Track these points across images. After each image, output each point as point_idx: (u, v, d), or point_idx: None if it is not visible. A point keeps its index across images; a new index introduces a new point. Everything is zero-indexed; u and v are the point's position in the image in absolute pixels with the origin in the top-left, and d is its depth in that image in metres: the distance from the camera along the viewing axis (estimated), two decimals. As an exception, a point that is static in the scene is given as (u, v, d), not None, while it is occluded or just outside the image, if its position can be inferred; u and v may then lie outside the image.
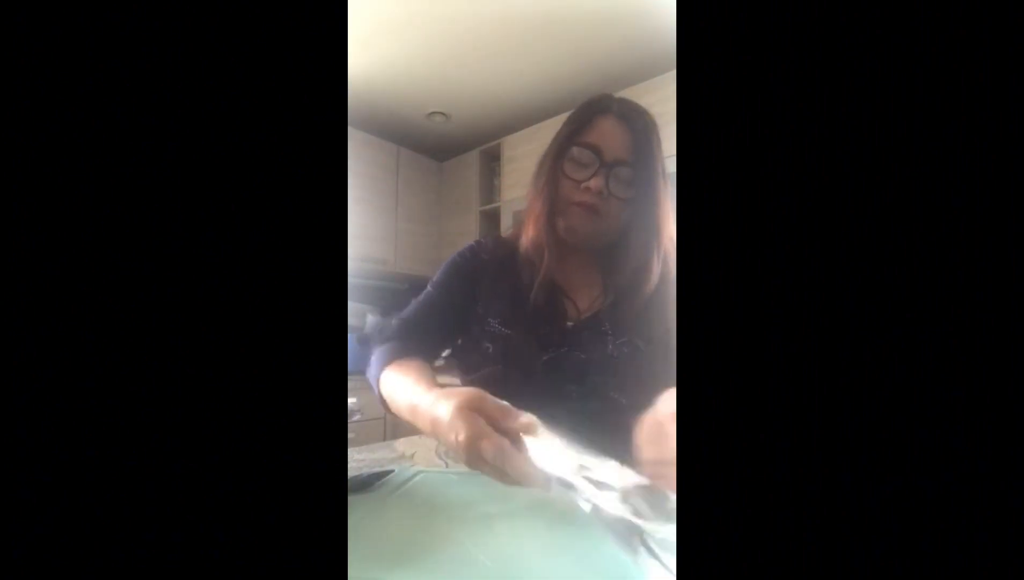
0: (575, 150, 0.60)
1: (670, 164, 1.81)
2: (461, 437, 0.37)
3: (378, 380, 0.62)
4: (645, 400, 0.52)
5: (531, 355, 0.62)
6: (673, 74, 1.92)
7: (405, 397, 0.53)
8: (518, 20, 1.75)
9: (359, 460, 0.59)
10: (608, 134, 0.60)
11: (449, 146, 2.74)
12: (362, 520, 0.37)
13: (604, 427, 0.60)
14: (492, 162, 2.62)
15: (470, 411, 0.37)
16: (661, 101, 1.96)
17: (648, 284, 0.61)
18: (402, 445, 0.69)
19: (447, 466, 0.57)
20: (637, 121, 0.61)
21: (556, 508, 0.41)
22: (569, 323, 0.64)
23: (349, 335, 2.46)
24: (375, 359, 0.64)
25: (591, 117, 0.62)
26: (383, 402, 0.61)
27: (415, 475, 0.49)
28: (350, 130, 2.35)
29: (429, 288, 0.71)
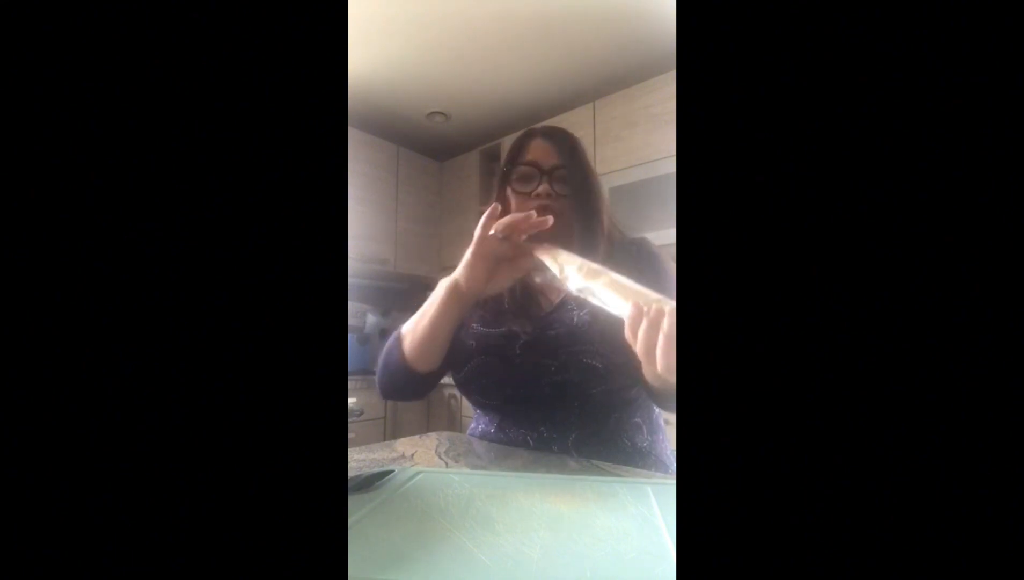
0: (519, 169, 0.74)
1: (669, 164, 1.81)
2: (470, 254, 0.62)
3: (399, 342, 0.72)
4: (618, 359, 0.65)
5: (508, 344, 0.71)
6: (673, 74, 1.92)
7: (421, 315, 0.68)
8: (518, 20, 1.75)
9: (359, 460, 0.59)
10: (540, 151, 0.74)
11: (449, 146, 2.74)
12: (362, 520, 0.37)
13: (587, 392, 0.68)
14: (492, 162, 2.62)
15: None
16: (661, 101, 1.97)
17: (595, 258, 0.70)
18: (402, 445, 0.69)
19: (447, 466, 0.57)
20: (558, 136, 0.77)
21: (556, 508, 0.41)
22: (542, 313, 0.75)
23: (349, 335, 2.46)
24: (387, 347, 0.74)
25: (523, 144, 0.77)
26: (405, 360, 0.70)
27: (415, 475, 0.49)
28: (350, 130, 2.35)
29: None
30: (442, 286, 0.67)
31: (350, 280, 2.50)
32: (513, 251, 0.62)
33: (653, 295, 0.45)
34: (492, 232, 0.61)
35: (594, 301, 0.49)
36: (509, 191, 0.75)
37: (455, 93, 2.25)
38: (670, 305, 0.42)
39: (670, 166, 1.86)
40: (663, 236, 1.82)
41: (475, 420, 0.80)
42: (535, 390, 0.69)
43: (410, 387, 0.74)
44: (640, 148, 2.00)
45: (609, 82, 2.11)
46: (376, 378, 0.76)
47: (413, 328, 0.70)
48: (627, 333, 0.44)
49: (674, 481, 0.48)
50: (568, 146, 0.75)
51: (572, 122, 2.21)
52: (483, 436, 0.76)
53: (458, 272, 0.65)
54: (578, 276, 0.52)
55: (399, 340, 0.72)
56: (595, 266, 0.52)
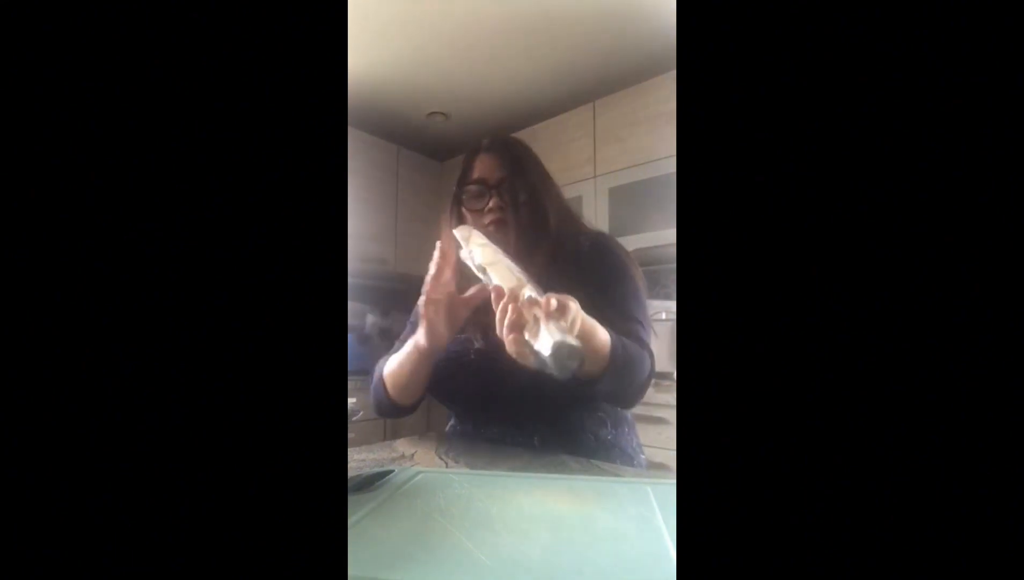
0: (467, 189, 0.76)
1: (669, 164, 1.81)
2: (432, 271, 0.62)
3: (383, 382, 0.75)
4: None
5: (465, 350, 0.74)
6: (673, 74, 1.92)
7: (399, 365, 0.71)
8: (518, 20, 1.75)
9: (359, 460, 0.59)
10: (486, 166, 0.77)
11: (449, 146, 2.74)
12: (362, 520, 0.37)
13: (541, 394, 0.69)
14: (492, 162, 2.61)
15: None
16: (661, 101, 1.96)
17: (538, 257, 0.73)
18: (402, 445, 0.69)
19: (447, 466, 0.57)
20: (500, 148, 0.78)
21: (556, 508, 0.41)
22: (492, 321, 0.75)
23: (349, 335, 2.46)
24: (377, 367, 0.77)
25: (469, 163, 0.78)
26: (389, 397, 0.74)
27: (415, 475, 0.49)
28: (350, 130, 2.35)
29: (408, 324, 0.87)
30: (410, 344, 0.70)
31: (350, 280, 2.50)
32: (451, 297, 0.65)
33: (527, 285, 0.50)
34: (429, 296, 0.64)
35: (485, 279, 0.55)
36: (464, 210, 0.77)
37: (455, 93, 2.25)
38: (529, 295, 0.47)
39: (670, 166, 1.86)
40: (663, 236, 1.81)
41: (449, 418, 0.83)
42: (491, 393, 0.73)
43: (401, 413, 0.78)
44: (640, 148, 1.99)
45: (609, 82, 2.11)
46: (371, 404, 0.80)
47: (393, 375, 0.73)
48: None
49: (674, 481, 0.48)
50: (511, 156, 0.77)
51: (572, 122, 2.21)
52: (461, 435, 0.78)
53: (419, 333, 0.67)
54: (480, 253, 0.57)
55: (382, 381, 0.75)
56: (496, 250, 0.57)
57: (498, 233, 0.74)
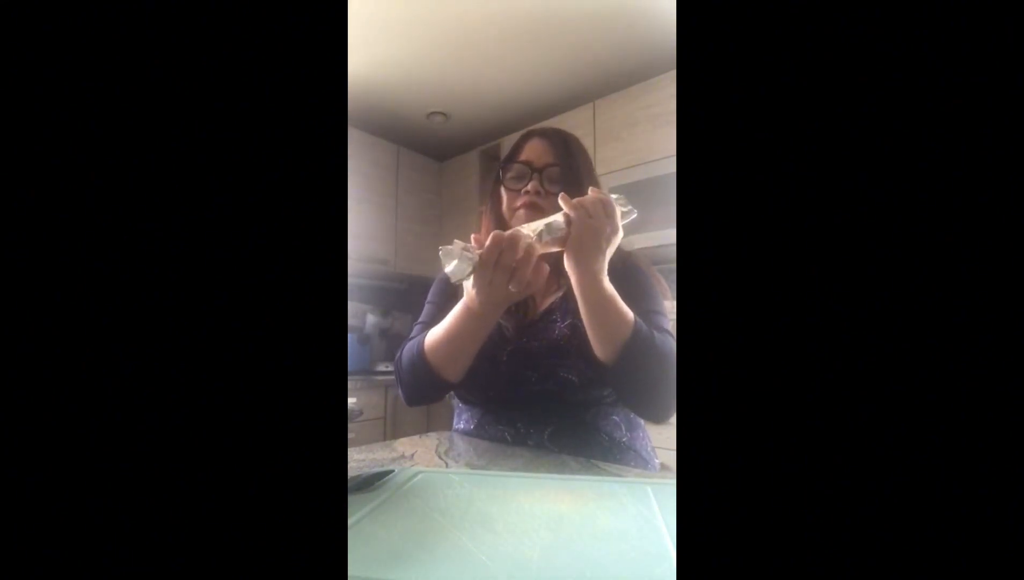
0: (511, 167, 0.77)
1: (669, 164, 1.80)
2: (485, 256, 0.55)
3: (423, 351, 0.69)
4: (592, 374, 0.67)
5: (497, 348, 0.73)
6: (673, 74, 1.92)
7: (446, 324, 0.66)
8: (518, 20, 1.75)
9: (359, 460, 0.59)
10: (535, 150, 0.77)
11: (449, 146, 2.74)
12: (362, 520, 0.37)
13: (565, 400, 0.70)
14: (492, 162, 2.62)
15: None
16: (661, 101, 1.96)
17: None
18: (402, 445, 0.69)
19: (447, 466, 0.57)
20: (555, 137, 0.78)
21: (556, 508, 0.41)
22: (528, 317, 0.77)
23: (349, 335, 2.46)
24: (408, 349, 0.73)
25: (520, 145, 0.79)
26: (430, 366, 0.69)
27: (415, 475, 0.49)
28: (350, 130, 2.35)
29: (427, 305, 0.85)
30: (461, 310, 0.64)
31: (350, 280, 2.50)
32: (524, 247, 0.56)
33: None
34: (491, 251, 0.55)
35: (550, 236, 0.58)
36: (502, 189, 0.77)
37: (455, 93, 2.25)
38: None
39: (670, 166, 1.86)
40: (663, 236, 1.81)
41: (456, 416, 0.82)
42: (515, 394, 0.72)
43: (443, 392, 0.73)
44: (640, 148, 2.00)
45: (609, 82, 2.11)
46: (402, 391, 0.75)
47: (445, 348, 0.67)
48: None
49: (674, 481, 0.48)
50: (563, 145, 0.77)
51: (572, 122, 2.21)
52: (464, 433, 0.78)
53: (476, 295, 0.59)
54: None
55: (424, 359, 0.69)
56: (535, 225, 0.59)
57: (528, 217, 0.71)
